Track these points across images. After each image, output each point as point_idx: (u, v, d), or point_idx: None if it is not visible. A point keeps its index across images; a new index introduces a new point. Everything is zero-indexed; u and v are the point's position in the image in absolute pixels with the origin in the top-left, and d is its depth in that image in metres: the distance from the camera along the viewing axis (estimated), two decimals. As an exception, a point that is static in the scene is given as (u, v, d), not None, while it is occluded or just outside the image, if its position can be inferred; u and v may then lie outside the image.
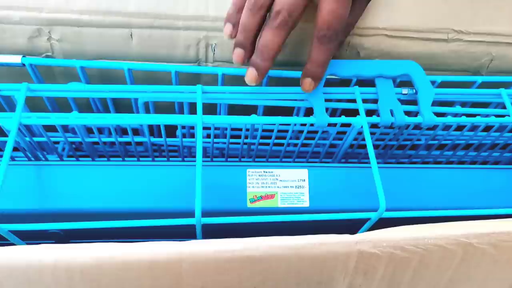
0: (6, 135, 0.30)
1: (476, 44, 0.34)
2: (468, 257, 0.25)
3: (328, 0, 0.26)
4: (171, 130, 0.34)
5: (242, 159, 0.36)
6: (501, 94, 0.32)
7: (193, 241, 0.22)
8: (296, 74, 0.30)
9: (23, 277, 0.21)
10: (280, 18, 0.25)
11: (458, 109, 0.32)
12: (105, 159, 0.35)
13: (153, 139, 0.33)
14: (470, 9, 0.33)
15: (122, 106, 0.34)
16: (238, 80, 0.31)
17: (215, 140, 0.34)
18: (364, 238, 0.23)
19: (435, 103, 0.31)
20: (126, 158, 0.36)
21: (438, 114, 0.30)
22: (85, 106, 0.33)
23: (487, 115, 0.32)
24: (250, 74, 0.26)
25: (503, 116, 0.31)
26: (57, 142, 0.36)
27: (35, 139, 0.31)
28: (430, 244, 0.24)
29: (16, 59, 0.29)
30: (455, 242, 0.24)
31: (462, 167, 0.33)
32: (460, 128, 0.34)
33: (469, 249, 0.25)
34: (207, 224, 0.25)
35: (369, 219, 0.27)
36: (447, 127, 0.34)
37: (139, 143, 0.38)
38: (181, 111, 0.33)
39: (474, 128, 0.34)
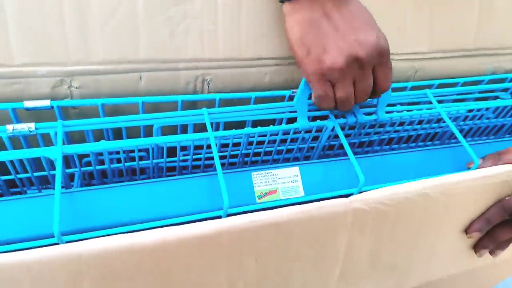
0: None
1: (404, 62, 0.47)
2: (428, 206, 0.36)
3: (383, 71, 0.37)
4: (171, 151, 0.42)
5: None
6: (427, 93, 0.46)
7: (230, 217, 0.30)
8: (279, 93, 0.41)
9: (107, 265, 0.27)
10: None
11: (399, 107, 0.44)
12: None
13: (168, 159, 0.41)
14: (398, 36, 0.46)
15: (130, 136, 0.41)
16: (229, 103, 0.41)
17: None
18: (356, 198, 0.33)
19: (382, 106, 0.43)
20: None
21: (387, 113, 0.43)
22: (98, 138, 0.40)
23: (420, 109, 0.45)
24: None
25: (430, 109, 0.45)
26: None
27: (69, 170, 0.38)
28: (402, 197, 0.34)
29: (46, 102, 0.36)
30: (417, 194, 0.35)
31: (411, 151, 0.45)
32: (402, 123, 0.47)
33: (427, 199, 0.35)
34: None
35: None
36: (393, 124, 0.46)
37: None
38: (183, 133, 0.42)
39: (411, 122, 0.47)
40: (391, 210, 0.34)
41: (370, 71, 0.37)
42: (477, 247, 0.43)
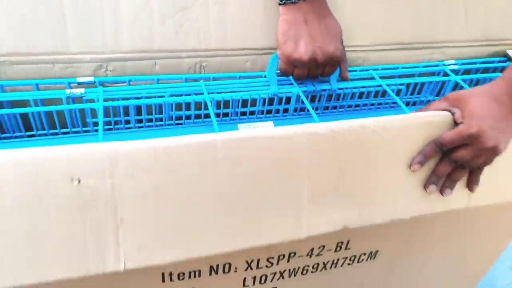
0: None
1: (352, 52, 0.63)
2: (371, 137, 0.49)
3: (330, 69, 0.55)
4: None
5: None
6: (371, 73, 0.61)
7: (224, 132, 0.44)
8: (257, 74, 0.57)
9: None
10: None
11: (350, 82, 0.59)
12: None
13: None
14: (349, 31, 0.63)
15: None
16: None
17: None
18: (313, 125, 0.46)
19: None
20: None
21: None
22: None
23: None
24: None
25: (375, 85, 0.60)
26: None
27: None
28: (346, 126, 0.47)
29: (91, 79, 0.51)
30: (359, 125, 0.48)
31: (363, 110, 0.59)
32: (353, 96, 0.61)
33: (369, 131, 0.49)
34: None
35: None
36: (345, 96, 0.61)
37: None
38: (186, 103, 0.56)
39: (361, 94, 0.62)
40: (340, 137, 0.48)
41: (321, 67, 0.55)
42: (426, 184, 0.54)
